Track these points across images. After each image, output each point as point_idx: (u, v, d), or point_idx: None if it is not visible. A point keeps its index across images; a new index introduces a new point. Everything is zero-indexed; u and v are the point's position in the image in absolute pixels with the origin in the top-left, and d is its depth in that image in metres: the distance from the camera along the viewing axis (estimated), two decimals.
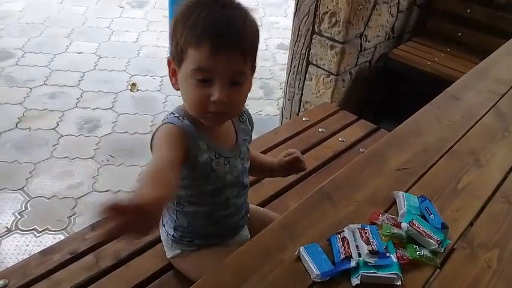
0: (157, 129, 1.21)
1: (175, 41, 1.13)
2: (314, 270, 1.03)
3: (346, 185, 1.31)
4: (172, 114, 1.22)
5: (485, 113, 1.73)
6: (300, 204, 1.25)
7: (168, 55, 1.22)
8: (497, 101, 1.81)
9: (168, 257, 1.44)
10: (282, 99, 3.37)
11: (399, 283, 1.03)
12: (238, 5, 1.15)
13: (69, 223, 2.46)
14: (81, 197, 2.64)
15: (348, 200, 1.26)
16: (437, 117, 1.66)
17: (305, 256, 1.06)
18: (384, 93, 3.38)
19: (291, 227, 1.16)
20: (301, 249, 1.07)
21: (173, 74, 1.20)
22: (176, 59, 1.16)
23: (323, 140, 2.16)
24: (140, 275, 1.44)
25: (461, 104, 1.77)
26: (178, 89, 1.20)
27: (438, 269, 1.10)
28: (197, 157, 1.20)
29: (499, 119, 1.71)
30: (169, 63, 1.21)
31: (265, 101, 3.75)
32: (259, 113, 3.56)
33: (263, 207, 1.71)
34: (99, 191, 2.68)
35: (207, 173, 1.23)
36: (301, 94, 3.10)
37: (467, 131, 1.61)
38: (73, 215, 2.52)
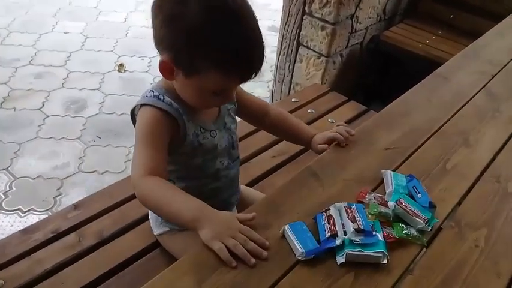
0: (138, 107, 1.17)
1: (190, 52, 1.05)
2: (298, 248, 1.00)
3: (334, 164, 1.29)
4: (152, 93, 1.17)
5: (476, 94, 1.71)
6: (286, 183, 1.22)
7: (163, 53, 1.10)
8: (488, 82, 1.79)
9: (155, 234, 1.42)
10: (272, 81, 3.33)
11: (385, 262, 1.01)
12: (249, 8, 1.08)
13: (54, 204, 2.42)
14: (67, 177, 2.60)
15: (335, 179, 1.23)
16: (427, 97, 1.64)
17: (290, 234, 1.03)
18: (375, 75, 3.35)
19: (277, 205, 1.13)
20: (286, 227, 1.05)
21: (170, 71, 1.10)
22: (184, 66, 1.08)
23: (312, 121, 2.13)
24: (124, 253, 1.42)
25: (451, 84, 1.75)
26: (170, 80, 1.15)
27: (425, 248, 1.08)
28: (184, 136, 1.18)
29: (490, 99, 1.69)
30: (164, 63, 1.09)
31: (256, 83, 3.69)
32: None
33: (251, 187, 1.68)
34: (85, 172, 2.64)
35: (194, 147, 1.21)
36: (291, 76, 3.06)
37: (457, 111, 1.59)
38: (59, 195, 2.48)
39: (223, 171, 1.30)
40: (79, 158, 2.73)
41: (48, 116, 3.04)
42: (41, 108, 3.10)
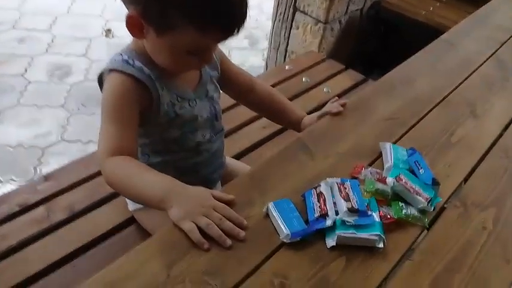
0: (106, 73, 1.03)
1: (161, 3, 0.91)
2: (283, 230, 0.89)
3: (327, 135, 1.17)
4: (120, 56, 1.02)
5: (484, 62, 1.59)
6: (272, 156, 1.10)
7: (130, 7, 0.96)
8: (497, 49, 1.67)
9: (130, 209, 1.31)
10: (267, 49, 3.19)
11: (381, 245, 0.90)
12: None
13: (34, 173, 2.31)
14: (48, 146, 2.47)
15: (327, 152, 1.11)
16: (431, 64, 1.53)
17: (274, 213, 0.92)
18: (375, 44, 3.20)
19: (261, 180, 1.01)
20: (270, 205, 0.93)
21: (139, 28, 0.97)
22: (155, 22, 0.94)
23: (306, 91, 2.02)
24: (97, 229, 1.32)
25: (457, 51, 1.63)
26: (140, 39, 1.01)
27: (426, 230, 0.97)
28: (158, 106, 1.05)
29: (499, 67, 1.57)
30: (132, 19, 0.95)
31: (250, 51, 3.56)
32: (243, 64, 3.37)
33: (238, 159, 1.56)
34: (68, 141, 2.52)
35: (170, 118, 1.08)
36: (287, 44, 2.92)
37: (464, 80, 1.48)
38: (39, 165, 2.36)
39: (204, 145, 1.18)
40: (62, 127, 2.61)
41: (30, 82, 2.90)
42: (24, 74, 2.95)
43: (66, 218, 1.33)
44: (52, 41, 3.31)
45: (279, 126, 1.74)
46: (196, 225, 0.85)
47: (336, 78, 2.12)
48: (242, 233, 0.87)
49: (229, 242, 0.85)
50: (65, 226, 1.31)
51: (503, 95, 1.43)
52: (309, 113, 1.81)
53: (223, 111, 1.72)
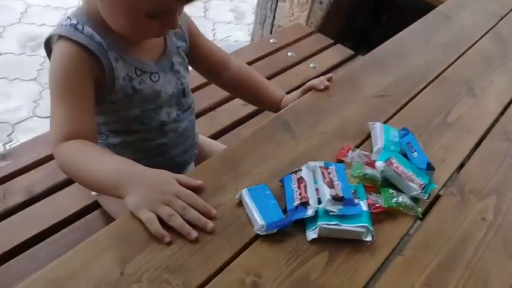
0: (54, 39, 0.90)
1: None
2: (258, 220, 0.78)
3: (310, 113, 1.06)
4: (68, 20, 0.89)
5: (482, 36, 1.49)
6: (249, 135, 0.99)
7: None
8: (496, 24, 1.58)
9: (92, 194, 1.19)
10: (253, 24, 3.05)
11: (368, 239, 0.79)
12: None
13: (4, 151, 2.17)
14: (19, 122, 2.34)
15: (310, 131, 1.01)
16: (425, 37, 1.42)
17: (248, 201, 0.81)
18: (366, 20, 3.08)
19: (234, 163, 0.90)
20: (244, 191, 0.82)
21: None
22: None
23: (292, 66, 1.90)
24: (58, 214, 1.20)
25: (454, 24, 1.53)
26: None
27: (419, 221, 0.87)
28: (112, 80, 0.92)
29: (498, 43, 1.47)
30: None
31: (236, 25, 3.42)
32: (228, 38, 3.24)
33: (216, 139, 1.44)
34: (40, 117, 2.39)
35: (127, 95, 0.95)
36: (274, 17, 2.79)
37: (460, 56, 1.38)
38: (9, 142, 2.24)
39: (170, 125, 1.05)
40: (34, 101, 2.47)
41: (1, 54, 2.75)
42: None
43: (24, 201, 1.21)
44: (26, 10, 3.14)
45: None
46: (157, 215, 0.74)
47: (324, 53, 2.00)
48: (210, 224, 0.76)
49: (194, 234, 0.74)
50: (23, 210, 1.20)
51: (502, 72, 1.33)
52: (293, 89, 1.71)
53: (200, 86, 1.62)
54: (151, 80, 0.97)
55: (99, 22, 0.89)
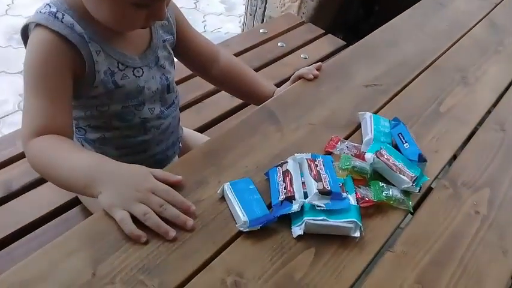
0: (31, 27, 0.85)
1: None
2: (241, 216, 0.74)
3: (297, 103, 1.02)
4: (48, 8, 0.84)
5: (476, 24, 1.46)
6: (233, 126, 0.94)
7: None
8: (491, 11, 1.55)
9: None
10: (244, 14, 3.00)
11: (357, 234, 0.75)
12: None
13: None
14: (4, 116, 2.30)
15: (297, 122, 0.97)
16: (418, 24, 1.38)
17: (230, 195, 0.77)
18: (358, 11, 3.03)
19: (217, 156, 0.86)
20: (226, 185, 0.78)
21: None
22: None
23: (282, 56, 1.84)
24: (36, 210, 1.15)
25: (447, 11, 1.49)
26: None
27: (410, 215, 0.84)
28: (92, 74, 0.87)
29: (492, 31, 1.44)
30: None
31: (226, 17, 3.36)
32: (218, 30, 3.18)
33: (201, 132, 1.40)
34: None
35: (108, 90, 0.90)
36: (265, 8, 2.74)
37: (454, 44, 1.35)
38: None
39: (153, 121, 1.00)
40: (20, 95, 2.41)
41: None
42: None
43: (1, 198, 1.16)
44: (12, 1, 3.08)
45: None
46: (132, 214, 0.70)
47: (315, 43, 1.95)
48: (190, 222, 0.72)
49: (172, 233, 0.70)
50: (1, 206, 1.14)
51: (497, 60, 1.30)
52: (284, 80, 1.66)
53: (185, 78, 1.57)
54: (134, 75, 0.92)
55: (80, 11, 0.84)
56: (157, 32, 0.97)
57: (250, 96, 1.20)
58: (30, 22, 0.85)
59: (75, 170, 0.77)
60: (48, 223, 1.13)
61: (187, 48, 1.07)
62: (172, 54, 1.03)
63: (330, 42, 1.99)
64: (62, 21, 0.82)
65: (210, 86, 1.60)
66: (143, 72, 0.94)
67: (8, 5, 3.03)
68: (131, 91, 0.93)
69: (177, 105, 1.07)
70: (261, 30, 1.95)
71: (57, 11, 0.83)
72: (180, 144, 1.16)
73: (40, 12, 0.84)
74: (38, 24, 0.83)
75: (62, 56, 0.83)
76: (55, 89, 0.84)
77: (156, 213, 0.70)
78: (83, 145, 1.01)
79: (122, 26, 0.88)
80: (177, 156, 1.15)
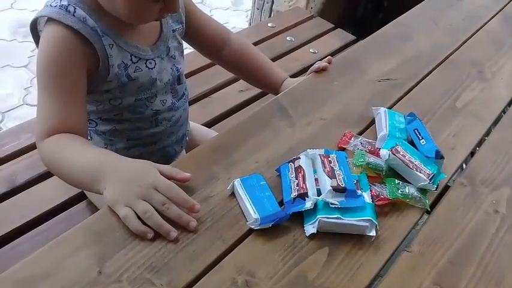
0: (42, 22, 0.83)
1: None
2: (252, 213, 0.71)
3: (309, 98, 0.99)
4: (58, 1, 0.81)
5: (492, 18, 1.42)
6: (243, 121, 0.92)
7: None
8: (506, 4, 1.51)
9: None
10: (251, 9, 2.97)
11: (372, 233, 0.72)
12: None
13: None
14: (9, 110, 2.28)
15: (309, 117, 0.94)
16: (432, 18, 1.35)
17: (241, 192, 0.74)
18: (367, 6, 3.00)
19: (227, 151, 0.83)
20: (237, 181, 0.75)
21: None
22: None
23: (291, 51, 1.81)
24: (42, 205, 1.13)
25: (462, 5, 1.46)
26: None
27: (427, 214, 0.81)
28: (106, 68, 0.85)
29: (508, 25, 1.41)
30: None
31: (233, 11, 3.34)
32: (226, 25, 3.14)
33: (209, 127, 1.37)
34: (31, 105, 2.33)
35: (122, 84, 0.88)
36: (272, 2, 2.71)
37: (469, 38, 1.31)
38: None
39: (164, 114, 0.98)
40: (25, 89, 2.40)
41: None
42: None
43: (5, 192, 1.14)
44: None
45: (258, 90, 1.55)
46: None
47: (324, 38, 1.92)
48: (193, 223, 0.69)
49: (173, 234, 0.67)
50: (4, 201, 1.12)
51: None
52: (293, 75, 1.63)
53: (193, 72, 1.55)
54: (147, 67, 0.90)
55: (91, 4, 0.81)
56: (167, 22, 0.95)
57: (258, 80, 1.18)
58: (40, 16, 0.83)
59: (83, 168, 0.76)
60: (53, 218, 1.11)
61: (198, 32, 1.06)
62: (182, 44, 1.01)
63: (340, 36, 1.96)
64: (74, 15, 0.80)
65: (218, 81, 1.58)
66: (155, 63, 0.92)
67: None
68: (144, 83, 0.91)
69: (187, 97, 1.06)
70: (269, 25, 1.92)
71: (69, 5, 0.80)
72: (187, 138, 1.14)
73: (50, 5, 0.81)
74: (49, 19, 0.80)
75: (76, 53, 0.81)
76: (69, 87, 0.82)
77: (159, 212, 0.68)
78: (91, 137, 1.00)
79: (136, 19, 0.86)
80: (184, 151, 1.13)
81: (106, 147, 0.99)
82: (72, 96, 0.82)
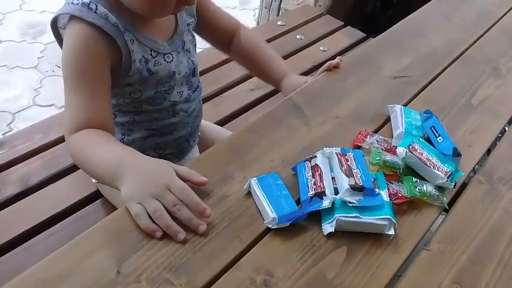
0: (63, 19, 0.84)
1: None
2: (269, 212, 0.70)
3: (324, 96, 0.98)
4: None
5: (505, 13, 1.41)
6: (258, 120, 0.91)
7: None
8: None
9: (93, 181, 1.13)
10: (259, 8, 2.97)
11: (391, 232, 0.72)
12: None
13: None
14: (19, 111, 2.28)
15: (325, 115, 0.93)
16: (446, 14, 1.34)
17: (257, 191, 0.73)
18: (376, 3, 2.98)
19: (242, 150, 0.83)
20: (253, 181, 0.75)
21: None
22: None
23: (301, 49, 1.81)
24: (55, 205, 1.13)
25: (475, 1, 1.45)
26: None
27: (445, 212, 0.80)
28: (128, 63, 0.86)
29: None
30: None
31: (241, 10, 3.34)
32: None
33: (221, 126, 1.37)
34: (41, 106, 2.33)
35: (143, 78, 0.89)
36: (280, 0, 2.70)
37: (484, 34, 1.29)
38: (9, 131, 2.17)
39: (181, 105, 1.00)
40: (34, 90, 2.41)
41: (1, 42, 2.69)
42: None
43: (18, 193, 1.14)
44: None
45: (270, 88, 1.54)
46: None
47: (334, 36, 1.91)
48: (202, 227, 0.68)
49: (182, 236, 0.67)
50: (18, 202, 1.13)
51: None
52: (303, 73, 1.63)
53: (204, 71, 1.54)
54: (165, 61, 0.91)
55: (111, 1, 0.82)
56: (182, 16, 0.96)
57: (263, 75, 1.17)
58: (61, 14, 0.83)
59: (105, 163, 0.77)
60: (67, 219, 1.11)
61: (208, 23, 1.06)
62: (195, 37, 1.02)
63: (350, 34, 1.95)
64: (96, 12, 0.80)
65: (228, 80, 1.58)
66: (173, 57, 0.93)
67: (22, 0, 3.03)
68: (163, 77, 0.92)
69: (201, 89, 1.07)
70: (278, 23, 1.92)
71: (90, 2, 0.81)
72: (199, 133, 1.14)
73: (72, 3, 0.82)
74: (72, 17, 0.81)
75: (100, 49, 0.82)
76: (95, 83, 0.83)
77: (170, 213, 0.68)
78: None
79: (154, 13, 0.86)
80: (197, 147, 1.14)
81: (123, 137, 1.01)
82: (98, 92, 0.83)
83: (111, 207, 1.11)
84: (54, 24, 0.86)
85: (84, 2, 0.80)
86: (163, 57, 0.91)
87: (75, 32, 0.81)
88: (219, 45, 1.17)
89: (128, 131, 1.00)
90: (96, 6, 0.81)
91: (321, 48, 1.82)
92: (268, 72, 1.12)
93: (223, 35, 1.11)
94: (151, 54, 0.89)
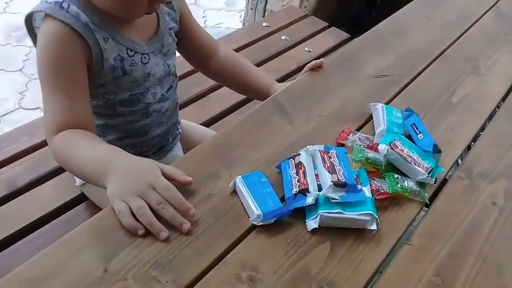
0: (35, 16, 0.84)
1: None
2: (254, 210, 0.71)
3: (307, 95, 1.00)
4: None
5: (484, 13, 1.43)
6: (242, 119, 0.92)
7: None
8: (498, 1, 1.50)
9: (76, 184, 1.13)
10: (245, 9, 2.97)
11: (373, 227, 0.73)
12: None
13: None
14: (5, 114, 2.27)
15: (308, 114, 0.95)
16: (426, 14, 1.35)
17: (242, 189, 0.74)
18: (360, 4, 3.00)
19: (227, 149, 0.84)
20: (238, 179, 0.76)
21: None
22: None
23: (286, 50, 1.82)
24: (42, 208, 1.13)
25: (455, 1, 1.46)
26: None
27: (426, 207, 0.81)
28: (100, 62, 0.86)
29: (500, 20, 1.41)
30: None
31: (227, 12, 3.33)
32: (219, 25, 3.15)
33: (207, 127, 1.38)
34: (26, 109, 2.32)
35: (116, 78, 0.89)
36: (266, 2, 2.71)
37: (463, 33, 1.31)
38: None
39: (154, 105, 0.99)
40: (20, 93, 2.39)
41: None
42: None
43: (4, 195, 1.14)
44: None
45: None
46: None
47: (318, 36, 1.92)
48: (186, 225, 0.69)
49: (164, 234, 0.68)
50: (4, 204, 1.12)
51: (507, 50, 1.27)
52: (288, 74, 1.64)
53: (189, 72, 1.55)
54: (141, 61, 0.91)
55: (85, 1, 0.82)
56: (165, 19, 0.96)
57: (246, 88, 1.17)
58: (35, 11, 0.83)
59: (91, 163, 0.77)
60: (53, 221, 1.11)
61: (188, 40, 1.06)
62: (176, 41, 1.02)
63: (334, 35, 1.96)
64: (67, 11, 0.80)
65: (214, 81, 1.58)
66: (149, 58, 0.93)
67: (6, 3, 3.00)
68: (138, 78, 0.92)
69: (175, 88, 1.06)
70: (264, 24, 1.92)
71: (63, 1, 0.81)
72: (180, 130, 1.14)
73: (46, 1, 0.82)
74: (46, 15, 0.81)
75: (74, 48, 0.82)
76: (72, 82, 0.83)
77: (154, 211, 0.69)
78: None
79: (127, 13, 0.86)
80: (179, 143, 1.14)
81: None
82: (75, 92, 0.83)
83: (97, 209, 1.11)
84: (29, 23, 0.86)
85: (57, 1, 0.80)
86: (141, 58, 0.91)
87: (47, 30, 0.81)
88: (197, 63, 1.17)
89: (102, 132, 0.99)
90: (69, 5, 0.81)
91: (305, 49, 1.83)
92: (253, 83, 1.12)
93: (201, 53, 1.11)
94: (127, 53, 0.89)
